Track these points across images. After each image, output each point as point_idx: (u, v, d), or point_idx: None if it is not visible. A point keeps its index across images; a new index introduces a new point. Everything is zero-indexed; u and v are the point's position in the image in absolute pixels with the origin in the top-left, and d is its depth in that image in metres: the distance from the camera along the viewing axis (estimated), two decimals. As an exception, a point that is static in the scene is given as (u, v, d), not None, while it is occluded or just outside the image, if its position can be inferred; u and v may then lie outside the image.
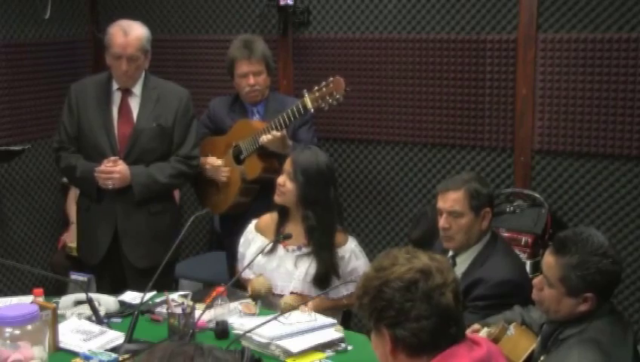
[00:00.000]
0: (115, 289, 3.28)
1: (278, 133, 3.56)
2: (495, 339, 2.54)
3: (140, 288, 2.98)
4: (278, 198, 3.18)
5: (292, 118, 3.59)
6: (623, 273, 3.71)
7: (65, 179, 4.60)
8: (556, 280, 2.32)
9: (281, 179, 3.16)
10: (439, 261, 1.84)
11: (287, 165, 3.17)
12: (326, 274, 3.11)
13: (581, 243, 2.30)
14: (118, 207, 3.57)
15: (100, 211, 3.60)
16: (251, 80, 3.76)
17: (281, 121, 3.59)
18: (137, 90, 3.60)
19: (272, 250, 3.19)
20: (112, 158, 3.49)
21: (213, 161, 3.83)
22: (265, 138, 3.58)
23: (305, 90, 3.57)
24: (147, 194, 3.56)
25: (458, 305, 1.81)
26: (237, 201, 3.83)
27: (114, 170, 3.47)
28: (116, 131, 3.56)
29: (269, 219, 3.28)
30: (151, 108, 3.58)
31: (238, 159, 3.81)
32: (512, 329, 2.60)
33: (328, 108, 3.58)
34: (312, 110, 3.55)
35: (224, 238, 4.17)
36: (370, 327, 1.86)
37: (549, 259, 2.36)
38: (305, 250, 3.17)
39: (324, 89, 3.51)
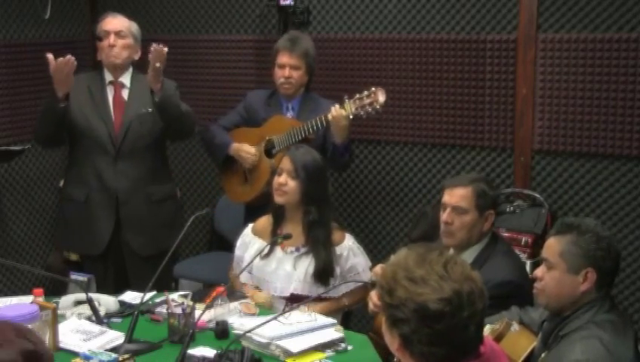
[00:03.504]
0: (117, 280, 3.27)
1: (344, 112, 3.53)
2: (499, 335, 2.53)
3: (141, 278, 2.98)
4: (279, 198, 3.16)
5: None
6: (623, 273, 3.72)
7: (62, 183, 4.59)
8: (556, 257, 2.36)
9: (282, 179, 3.14)
10: (473, 281, 1.70)
11: (286, 164, 3.15)
12: (325, 270, 3.10)
13: (583, 224, 2.39)
14: (119, 194, 3.59)
15: (98, 201, 3.61)
16: (287, 72, 3.79)
17: (319, 123, 3.59)
18: (127, 81, 3.67)
19: (270, 253, 3.18)
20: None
21: (248, 148, 3.87)
22: (334, 111, 3.53)
23: (346, 96, 3.55)
24: (167, 105, 3.52)
25: (479, 334, 1.72)
26: (263, 192, 3.85)
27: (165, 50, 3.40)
28: (113, 121, 3.61)
29: (266, 221, 3.27)
30: (141, 95, 3.62)
31: (269, 153, 3.85)
32: (516, 325, 2.60)
33: (366, 118, 3.56)
34: (351, 116, 3.55)
35: None
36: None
37: (549, 241, 2.42)
38: (303, 249, 3.16)
39: (365, 98, 3.50)
